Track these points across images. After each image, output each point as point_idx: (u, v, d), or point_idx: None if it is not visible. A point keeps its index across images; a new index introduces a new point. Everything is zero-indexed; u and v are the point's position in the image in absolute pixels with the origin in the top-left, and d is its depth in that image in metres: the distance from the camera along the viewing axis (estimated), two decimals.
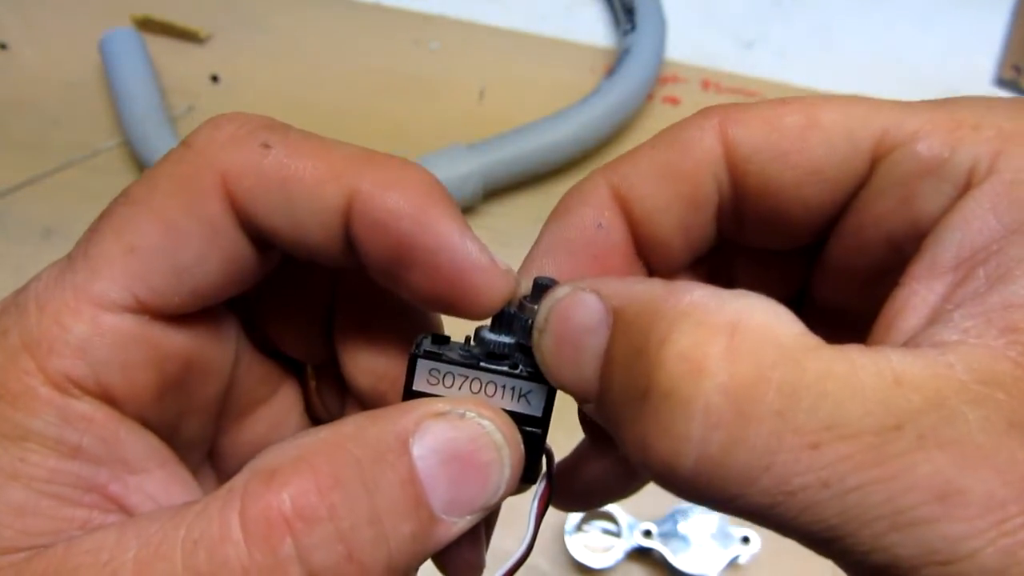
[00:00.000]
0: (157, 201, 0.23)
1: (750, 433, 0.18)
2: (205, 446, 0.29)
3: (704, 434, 0.18)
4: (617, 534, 0.56)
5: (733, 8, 0.89)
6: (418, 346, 0.25)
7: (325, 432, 0.22)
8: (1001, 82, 0.77)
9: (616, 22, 0.86)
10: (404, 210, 0.23)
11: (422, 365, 0.24)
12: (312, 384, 0.32)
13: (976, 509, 0.17)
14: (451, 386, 0.24)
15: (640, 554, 0.56)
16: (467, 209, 0.72)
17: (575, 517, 0.56)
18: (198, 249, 0.23)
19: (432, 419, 0.23)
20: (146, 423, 0.24)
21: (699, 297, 0.20)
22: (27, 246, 0.70)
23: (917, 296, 0.21)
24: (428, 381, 0.25)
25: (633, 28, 0.80)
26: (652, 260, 0.26)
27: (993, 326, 0.18)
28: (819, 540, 0.18)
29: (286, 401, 0.31)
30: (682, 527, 0.55)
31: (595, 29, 0.87)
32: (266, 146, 0.23)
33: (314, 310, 0.29)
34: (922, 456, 0.17)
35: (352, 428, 0.22)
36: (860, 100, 0.24)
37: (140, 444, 0.24)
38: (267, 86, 0.81)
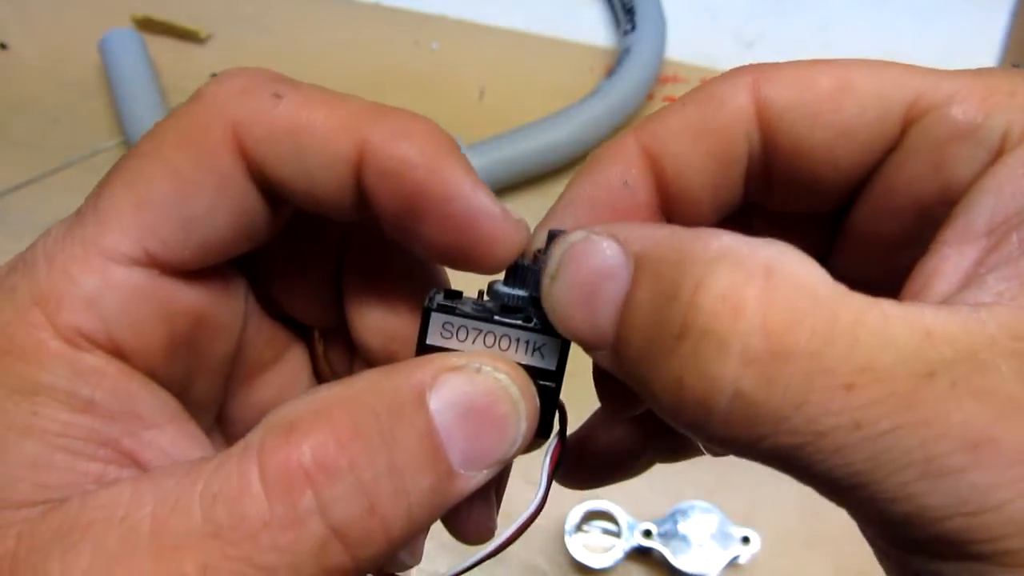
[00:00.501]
0: (166, 153, 0.23)
1: (785, 372, 0.18)
2: (214, 408, 0.28)
3: (740, 372, 0.18)
4: (617, 534, 0.56)
5: (733, 8, 0.89)
6: (431, 300, 0.24)
7: (340, 387, 0.22)
8: None
9: (616, 22, 0.86)
10: (416, 159, 0.23)
11: (435, 319, 0.24)
12: (320, 348, 0.31)
13: (1007, 459, 0.17)
14: (464, 340, 0.24)
15: (640, 554, 0.56)
16: None
17: (575, 517, 0.56)
18: (208, 201, 0.23)
19: (448, 372, 0.22)
20: (157, 379, 0.24)
21: (729, 242, 0.19)
22: (27, 245, 0.70)
23: (949, 261, 0.21)
24: (442, 335, 0.24)
25: (633, 28, 0.80)
26: (678, 218, 0.26)
27: None
28: (843, 487, 0.18)
29: (294, 365, 0.31)
30: (682, 527, 0.55)
31: (595, 29, 0.87)
32: (277, 96, 0.23)
33: (323, 273, 0.29)
34: (955, 404, 0.17)
35: (368, 383, 0.22)
36: (894, 64, 0.24)
37: (152, 399, 0.23)
38: None
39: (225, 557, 0.19)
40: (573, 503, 0.57)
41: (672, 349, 0.19)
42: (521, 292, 0.24)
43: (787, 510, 0.56)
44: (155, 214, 0.22)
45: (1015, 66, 0.74)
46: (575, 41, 0.86)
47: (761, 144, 0.25)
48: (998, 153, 0.21)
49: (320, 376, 0.32)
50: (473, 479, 0.22)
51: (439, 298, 0.25)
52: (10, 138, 0.77)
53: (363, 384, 0.22)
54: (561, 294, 0.22)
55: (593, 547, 0.56)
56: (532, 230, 0.26)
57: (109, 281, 0.22)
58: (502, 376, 0.23)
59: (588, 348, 0.22)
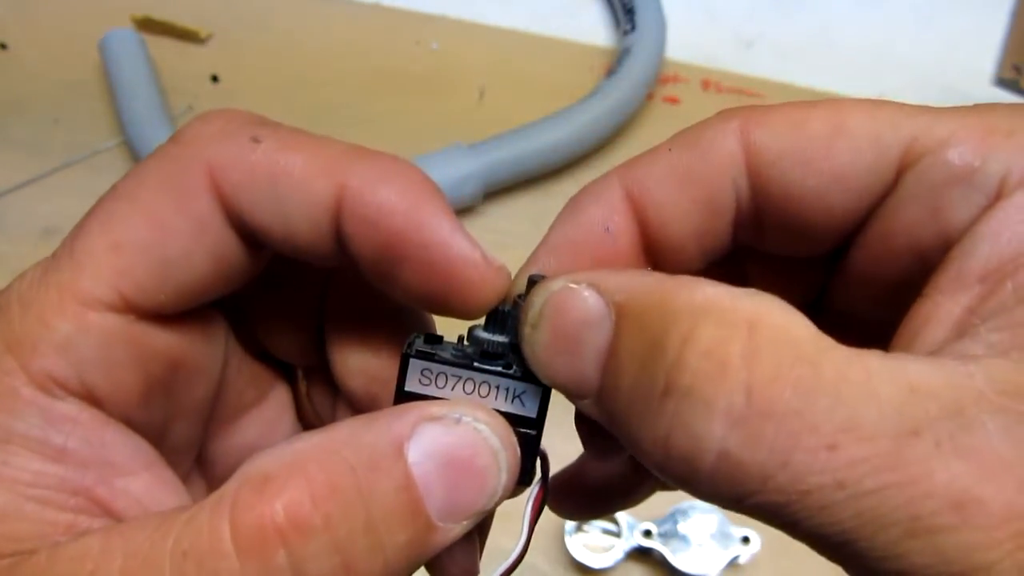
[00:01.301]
0: (144, 196, 0.23)
1: (769, 431, 0.18)
2: (193, 451, 0.28)
3: (725, 432, 0.18)
4: (617, 534, 0.56)
5: (733, 8, 0.89)
6: (410, 346, 0.24)
7: (318, 437, 0.22)
8: (1001, 82, 0.77)
9: (616, 22, 0.86)
10: (395, 205, 0.23)
11: (414, 365, 0.24)
12: (303, 387, 0.31)
13: (994, 519, 0.17)
14: (444, 386, 0.24)
15: (640, 554, 0.56)
16: (467, 209, 0.72)
17: None
18: (185, 245, 0.23)
19: (427, 423, 0.22)
20: (132, 425, 0.24)
21: (712, 294, 0.19)
22: (27, 246, 0.70)
23: (941, 308, 0.20)
24: (420, 381, 0.24)
25: (633, 28, 0.80)
26: (663, 264, 0.26)
27: (1021, 340, 0.18)
28: (832, 544, 0.18)
29: (277, 405, 0.30)
30: (682, 527, 0.55)
31: (595, 29, 0.87)
32: (255, 140, 0.23)
33: (305, 312, 0.28)
34: (939, 463, 0.17)
35: (346, 433, 0.22)
36: (887, 104, 0.23)
37: (126, 446, 0.23)
38: (267, 86, 0.81)
39: None
40: None
41: (658, 407, 0.19)
42: (501, 338, 0.24)
43: None
44: (131, 258, 0.22)
45: (1015, 66, 0.74)
46: (575, 41, 0.86)
47: (750, 190, 0.24)
48: (996, 197, 0.21)
49: (304, 416, 0.31)
50: (452, 531, 0.22)
51: (418, 343, 0.24)
52: (10, 138, 0.77)
53: (341, 435, 0.21)
54: (542, 343, 0.22)
55: (593, 547, 0.56)
56: (512, 275, 0.25)
57: (83, 326, 0.22)
58: (482, 427, 0.22)
59: (571, 397, 0.22)
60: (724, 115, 0.24)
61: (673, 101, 0.81)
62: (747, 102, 0.80)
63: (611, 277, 0.22)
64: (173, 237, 0.22)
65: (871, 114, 0.23)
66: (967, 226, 0.21)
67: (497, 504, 0.23)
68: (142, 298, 0.22)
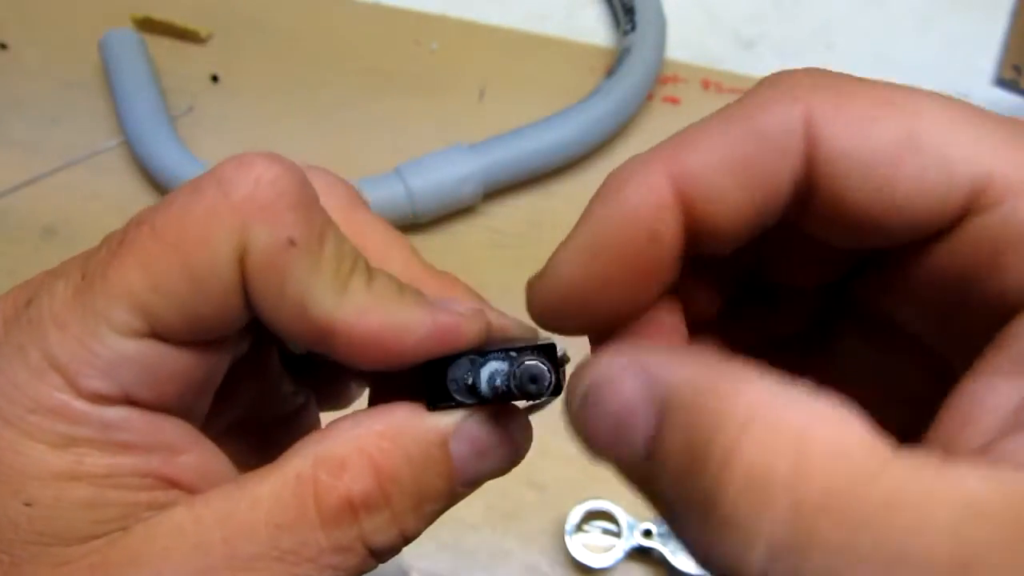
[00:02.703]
0: (183, 246, 0.23)
1: (812, 565, 0.17)
2: (202, 419, 0.30)
3: (766, 564, 0.17)
4: (617, 534, 0.56)
5: (733, 8, 0.89)
6: (429, 400, 0.26)
7: (378, 424, 0.26)
8: (1001, 82, 0.77)
9: (616, 22, 0.86)
10: (381, 342, 0.25)
11: (437, 414, 0.26)
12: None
13: None
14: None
15: (640, 554, 0.56)
16: (467, 209, 0.72)
17: (575, 517, 0.56)
18: (215, 301, 0.24)
19: (468, 420, 0.26)
20: (172, 413, 0.26)
21: (759, 401, 0.18)
22: (27, 246, 0.70)
23: (998, 392, 0.19)
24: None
25: (633, 28, 0.80)
26: (701, 246, 0.24)
27: None
28: None
29: (271, 373, 0.33)
30: None
31: (595, 29, 0.87)
32: (292, 243, 0.24)
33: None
34: None
35: (401, 421, 0.26)
36: (971, 117, 0.20)
37: (175, 431, 0.25)
38: (267, 86, 0.81)
39: (290, 575, 0.24)
40: (573, 503, 0.57)
41: (701, 519, 0.18)
42: (502, 382, 0.26)
43: None
44: (166, 304, 0.24)
45: (1015, 67, 0.74)
46: (575, 41, 0.86)
47: (806, 182, 0.22)
48: None
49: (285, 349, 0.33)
50: (469, 492, 0.27)
51: (433, 384, 0.26)
52: (10, 138, 0.77)
53: (396, 422, 0.26)
54: (589, 424, 0.22)
55: (593, 547, 0.56)
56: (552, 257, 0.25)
57: (122, 353, 0.24)
58: (513, 424, 0.27)
59: (623, 471, 0.22)
60: (788, 91, 0.22)
61: (673, 101, 0.81)
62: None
63: (656, 364, 0.21)
64: (203, 293, 0.24)
65: (950, 129, 0.20)
66: None
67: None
68: (169, 333, 0.24)
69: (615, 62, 0.79)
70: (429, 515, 0.26)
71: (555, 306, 0.25)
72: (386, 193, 0.68)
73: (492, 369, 0.26)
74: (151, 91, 0.76)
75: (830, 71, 0.22)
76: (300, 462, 0.25)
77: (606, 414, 0.21)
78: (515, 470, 0.28)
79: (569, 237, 0.24)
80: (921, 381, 0.25)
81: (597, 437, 0.22)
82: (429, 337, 0.25)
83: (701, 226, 0.22)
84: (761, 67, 0.84)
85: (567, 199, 0.74)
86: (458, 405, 0.26)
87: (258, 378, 0.32)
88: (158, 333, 0.24)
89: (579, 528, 0.56)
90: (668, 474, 0.20)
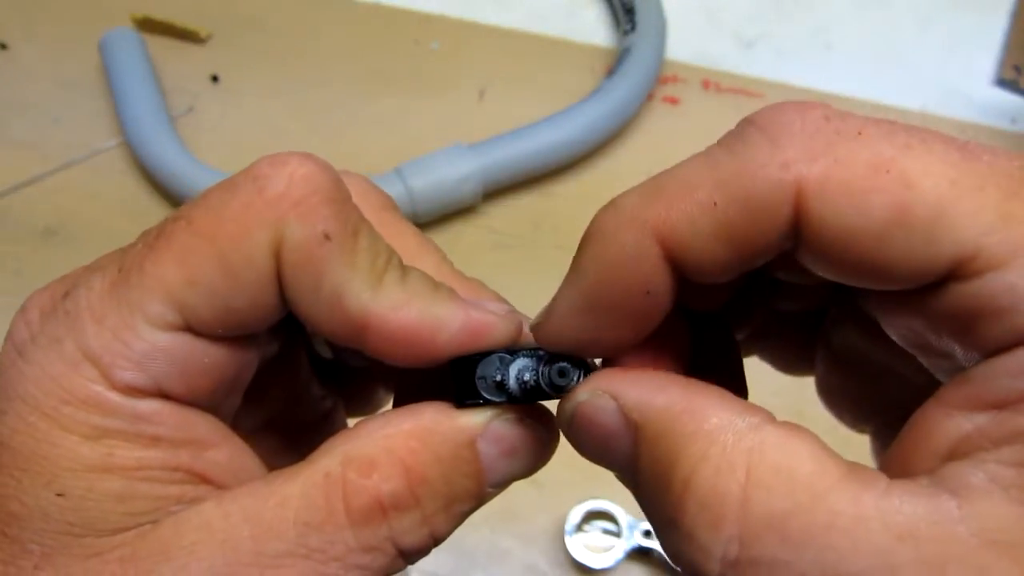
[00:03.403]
0: (219, 242, 0.24)
1: None
2: (231, 417, 0.30)
3: (722, 571, 0.20)
4: (617, 534, 0.56)
5: (733, 8, 0.89)
6: (458, 397, 0.26)
7: (407, 423, 0.25)
8: (1001, 82, 0.77)
9: (616, 22, 0.86)
10: (411, 334, 0.25)
11: (467, 412, 0.26)
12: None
13: None
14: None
15: (640, 554, 0.56)
16: (467, 209, 0.72)
17: (575, 517, 0.56)
18: (249, 296, 0.25)
19: (495, 421, 0.26)
20: (202, 408, 0.26)
21: (718, 425, 0.21)
22: (27, 246, 0.70)
23: (952, 421, 0.20)
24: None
25: (633, 28, 0.80)
26: (690, 277, 0.24)
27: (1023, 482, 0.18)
28: None
29: (302, 372, 0.33)
30: None
31: (595, 29, 0.87)
32: (327, 237, 0.24)
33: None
34: None
35: (430, 422, 0.26)
36: (967, 178, 0.20)
37: (204, 425, 0.26)
38: (267, 86, 0.81)
39: (317, 574, 0.24)
40: (573, 503, 0.57)
41: (668, 530, 0.22)
42: (529, 378, 0.26)
43: None
44: (202, 297, 0.24)
45: (1015, 67, 0.74)
46: (575, 41, 0.86)
47: (793, 243, 0.22)
48: None
49: (314, 351, 0.34)
50: (497, 492, 0.27)
51: (461, 394, 0.26)
52: (10, 138, 0.77)
53: (425, 423, 0.26)
54: (578, 443, 0.25)
55: (593, 547, 0.56)
56: (547, 307, 0.26)
57: (156, 345, 0.24)
58: (539, 426, 0.27)
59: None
60: (776, 152, 0.21)
61: (673, 101, 0.81)
62: (747, 102, 0.80)
63: (630, 390, 0.23)
64: (239, 288, 0.24)
65: (942, 200, 0.20)
66: (998, 348, 0.20)
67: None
68: (203, 328, 0.25)
69: (615, 62, 0.79)
70: (459, 516, 0.26)
71: (559, 346, 0.26)
72: None
73: (520, 366, 0.26)
74: (151, 91, 0.76)
75: (825, 112, 0.22)
76: (329, 461, 0.25)
77: (591, 437, 0.24)
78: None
79: (564, 288, 0.25)
80: (915, 368, 0.26)
81: (587, 454, 0.25)
82: (463, 331, 0.25)
83: (691, 274, 0.23)
84: (761, 67, 0.84)
85: (567, 199, 0.74)
86: (486, 403, 0.26)
87: (288, 381, 0.33)
88: (192, 327, 0.24)
89: (579, 528, 0.56)
90: (643, 490, 0.23)
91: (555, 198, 0.74)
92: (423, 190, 0.68)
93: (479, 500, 0.27)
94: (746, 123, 0.22)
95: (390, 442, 0.25)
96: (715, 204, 0.21)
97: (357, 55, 0.84)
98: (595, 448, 0.25)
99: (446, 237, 0.72)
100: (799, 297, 0.29)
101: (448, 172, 0.69)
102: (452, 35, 0.85)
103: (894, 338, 0.24)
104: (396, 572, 0.26)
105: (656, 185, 0.23)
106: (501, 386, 0.26)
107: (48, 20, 0.86)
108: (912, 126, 0.21)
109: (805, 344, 0.31)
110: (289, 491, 0.24)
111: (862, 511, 0.19)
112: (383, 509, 0.24)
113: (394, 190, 0.68)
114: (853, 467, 0.20)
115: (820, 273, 0.22)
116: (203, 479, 0.25)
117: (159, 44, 0.82)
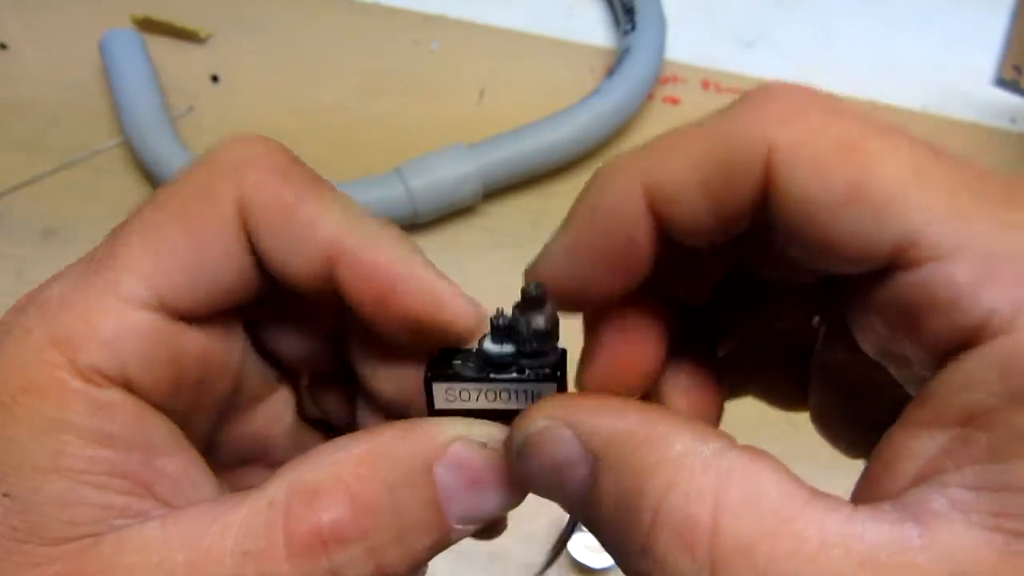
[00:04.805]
0: (183, 210, 0.25)
1: None
2: (205, 440, 0.30)
3: None
4: None
5: (733, 8, 0.89)
6: (430, 369, 0.26)
7: (357, 448, 0.24)
8: (1001, 82, 0.77)
9: (616, 22, 0.86)
10: (385, 262, 0.25)
11: (438, 388, 0.26)
12: (304, 386, 0.33)
13: None
14: (468, 400, 0.26)
15: None
16: (467, 209, 0.72)
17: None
18: (216, 258, 0.25)
19: (456, 444, 0.25)
20: (163, 413, 0.25)
21: (681, 454, 0.21)
22: (27, 246, 0.70)
23: (918, 442, 0.20)
24: (447, 399, 0.26)
25: (633, 28, 0.80)
26: (676, 240, 0.25)
27: (984, 506, 0.18)
28: None
29: (281, 400, 0.32)
30: None
31: (595, 29, 0.87)
32: (294, 184, 0.25)
33: (316, 324, 0.30)
34: None
35: (381, 446, 0.24)
36: (928, 169, 0.20)
37: (161, 429, 0.25)
38: (267, 86, 0.81)
39: None
40: None
41: (639, 556, 0.21)
42: (508, 348, 0.26)
43: None
44: (170, 264, 0.24)
45: (1015, 67, 0.74)
46: (575, 41, 0.86)
47: (765, 203, 0.22)
48: (980, 332, 0.19)
49: (305, 410, 0.33)
50: (469, 529, 0.25)
51: (437, 366, 0.26)
52: (10, 138, 0.77)
53: (376, 448, 0.24)
54: (528, 474, 0.24)
55: (593, 547, 0.56)
56: (534, 261, 0.26)
57: (125, 324, 0.24)
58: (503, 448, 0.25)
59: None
60: (757, 118, 0.22)
61: (673, 101, 0.81)
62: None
63: (588, 419, 0.23)
64: (207, 248, 0.24)
65: (899, 182, 0.20)
66: (950, 348, 0.20)
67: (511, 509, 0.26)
68: (176, 301, 0.24)
69: (615, 62, 0.79)
70: (419, 552, 0.24)
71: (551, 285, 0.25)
72: (386, 193, 0.68)
73: (497, 346, 0.26)
74: (151, 91, 0.76)
75: (814, 93, 0.22)
76: (275, 488, 0.24)
77: (544, 465, 0.23)
78: None
79: (557, 234, 0.25)
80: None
81: (537, 485, 0.24)
82: (431, 292, 0.25)
83: (672, 228, 0.23)
84: (761, 67, 0.84)
85: (567, 199, 0.73)
86: (457, 378, 0.25)
87: (271, 431, 0.32)
88: (166, 303, 0.24)
89: (579, 528, 0.56)
90: (604, 518, 0.22)
91: (555, 198, 0.74)
92: (423, 190, 0.68)
93: (441, 534, 0.25)
94: (741, 96, 0.23)
95: (337, 468, 0.24)
96: (697, 159, 0.22)
97: (357, 55, 0.84)
98: (547, 479, 0.23)
99: (446, 237, 0.72)
100: (786, 311, 0.29)
101: (448, 172, 0.69)
102: (452, 35, 0.85)
103: (864, 347, 0.24)
104: None
105: (651, 143, 0.24)
106: (479, 358, 0.26)
107: (48, 20, 0.86)
108: (893, 123, 0.22)
109: (798, 377, 0.31)
110: (232, 518, 0.23)
111: (826, 537, 0.19)
112: (323, 541, 0.23)
113: (394, 190, 0.68)
114: (816, 492, 0.20)
115: (785, 249, 0.23)
116: (149, 491, 0.24)
117: (159, 44, 0.82)
